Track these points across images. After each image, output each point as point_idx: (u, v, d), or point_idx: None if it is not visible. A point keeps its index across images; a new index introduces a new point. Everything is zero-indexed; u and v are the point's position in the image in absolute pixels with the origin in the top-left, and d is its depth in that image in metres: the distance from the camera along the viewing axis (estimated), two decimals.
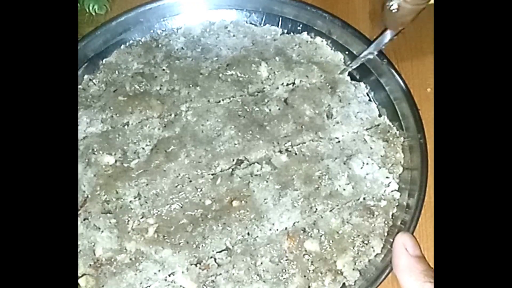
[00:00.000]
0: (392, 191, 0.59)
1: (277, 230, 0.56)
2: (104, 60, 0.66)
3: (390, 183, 0.59)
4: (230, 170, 0.59)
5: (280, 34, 0.68)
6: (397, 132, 0.62)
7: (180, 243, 0.55)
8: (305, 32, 0.68)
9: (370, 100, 0.65)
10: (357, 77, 0.66)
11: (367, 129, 0.62)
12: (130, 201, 0.57)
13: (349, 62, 0.66)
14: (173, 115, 0.62)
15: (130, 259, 0.54)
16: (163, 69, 0.65)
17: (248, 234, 0.56)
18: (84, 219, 0.56)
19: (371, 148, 0.61)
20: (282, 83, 0.64)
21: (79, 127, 0.61)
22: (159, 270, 0.54)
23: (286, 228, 0.56)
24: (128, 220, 0.56)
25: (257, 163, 0.59)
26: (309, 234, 0.56)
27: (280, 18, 0.68)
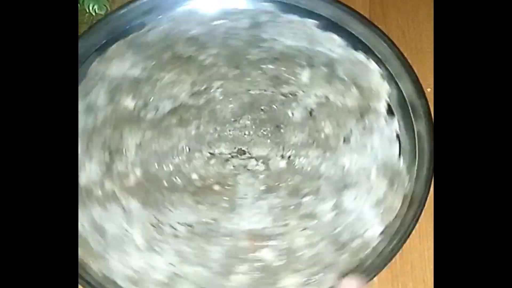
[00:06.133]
0: (372, 234, 0.56)
1: (244, 227, 0.56)
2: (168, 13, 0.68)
3: (374, 225, 0.56)
4: (228, 156, 0.59)
5: (339, 46, 0.66)
6: (406, 178, 0.59)
7: (150, 201, 0.57)
8: (363, 53, 0.65)
9: (396, 138, 0.61)
10: (393, 111, 0.63)
11: (377, 167, 0.59)
12: (129, 147, 0.60)
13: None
14: (203, 88, 0.64)
15: (103, 196, 0.58)
16: (217, 41, 0.66)
17: (215, 220, 0.56)
18: None
19: (372, 186, 0.58)
20: (315, 94, 0.63)
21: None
22: (121, 217, 0.57)
23: (252, 228, 0.56)
24: (119, 162, 0.59)
25: (255, 159, 0.59)
26: (271, 244, 0.55)
27: (345, 32, 0.67)
